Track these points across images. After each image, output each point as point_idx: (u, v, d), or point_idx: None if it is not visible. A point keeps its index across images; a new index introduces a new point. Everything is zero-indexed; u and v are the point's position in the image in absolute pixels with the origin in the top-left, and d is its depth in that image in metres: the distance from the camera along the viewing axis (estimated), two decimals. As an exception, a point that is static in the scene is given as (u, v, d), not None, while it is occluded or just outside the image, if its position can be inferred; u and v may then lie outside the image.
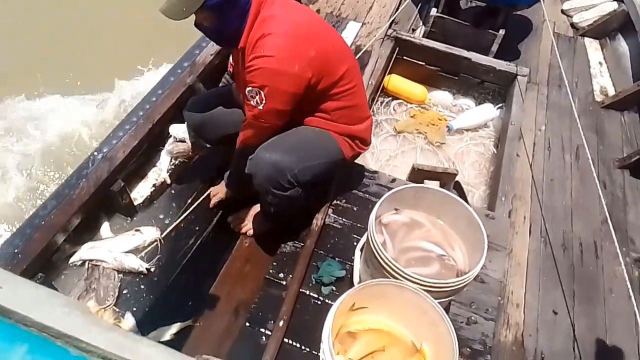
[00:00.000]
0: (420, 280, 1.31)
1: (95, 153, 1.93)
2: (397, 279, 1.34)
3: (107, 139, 1.99)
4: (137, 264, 1.80)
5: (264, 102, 1.47)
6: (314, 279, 1.74)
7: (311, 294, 1.71)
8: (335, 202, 1.99)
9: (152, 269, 1.83)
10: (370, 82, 2.69)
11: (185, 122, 2.04)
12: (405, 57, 2.98)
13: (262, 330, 1.62)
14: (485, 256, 1.35)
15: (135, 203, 2.01)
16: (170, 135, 2.16)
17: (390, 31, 2.93)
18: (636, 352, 1.87)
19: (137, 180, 2.09)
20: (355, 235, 1.87)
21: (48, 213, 1.73)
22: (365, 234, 1.50)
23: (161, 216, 2.04)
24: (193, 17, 1.47)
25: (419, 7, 3.35)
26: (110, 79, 3.61)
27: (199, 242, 1.96)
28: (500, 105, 2.94)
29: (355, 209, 1.98)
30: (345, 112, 1.69)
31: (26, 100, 3.39)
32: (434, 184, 2.11)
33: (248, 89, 1.48)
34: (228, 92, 1.93)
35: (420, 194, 1.55)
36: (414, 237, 1.55)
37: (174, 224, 1.96)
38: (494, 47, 3.00)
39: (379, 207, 1.45)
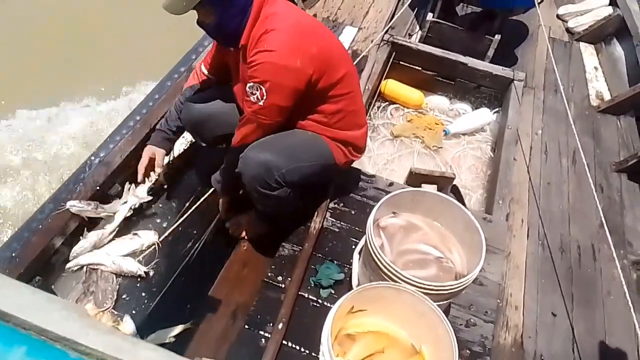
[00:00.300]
0: (418, 282, 1.31)
1: (92, 157, 1.93)
2: (395, 281, 1.33)
3: (104, 144, 1.99)
4: (135, 267, 1.80)
5: (265, 97, 1.47)
6: (312, 282, 1.73)
7: (310, 296, 1.71)
8: (333, 205, 1.99)
9: (150, 272, 1.83)
10: (367, 87, 2.70)
11: (181, 118, 1.91)
12: (401, 62, 2.99)
13: (261, 332, 1.61)
14: (484, 259, 1.35)
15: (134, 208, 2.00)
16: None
17: (386, 36, 2.95)
18: (635, 354, 1.88)
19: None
20: (353, 239, 1.87)
21: (45, 217, 1.73)
22: (364, 237, 1.50)
23: (159, 220, 2.04)
24: (195, 16, 1.50)
25: (415, 12, 3.36)
26: (117, 87, 3.61)
27: (197, 245, 1.96)
28: (497, 109, 2.96)
29: (353, 212, 1.98)
30: (341, 117, 1.69)
31: (29, 108, 3.37)
32: (431, 188, 2.12)
33: (249, 84, 1.49)
34: (228, 92, 1.92)
35: (417, 198, 1.55)
36: (412, 240, 1.55)
37: (172, 227, 1.96)
38: (490, 52, 3.02)
39: (376, 211, 1.45)
